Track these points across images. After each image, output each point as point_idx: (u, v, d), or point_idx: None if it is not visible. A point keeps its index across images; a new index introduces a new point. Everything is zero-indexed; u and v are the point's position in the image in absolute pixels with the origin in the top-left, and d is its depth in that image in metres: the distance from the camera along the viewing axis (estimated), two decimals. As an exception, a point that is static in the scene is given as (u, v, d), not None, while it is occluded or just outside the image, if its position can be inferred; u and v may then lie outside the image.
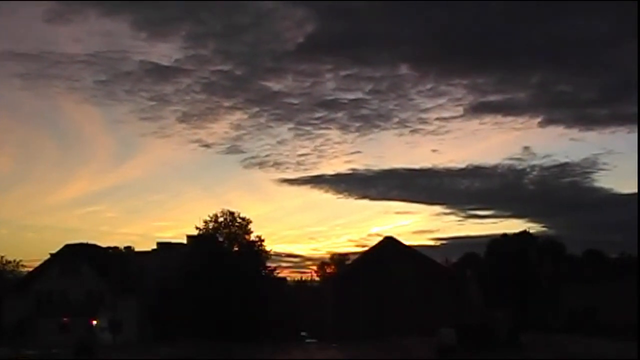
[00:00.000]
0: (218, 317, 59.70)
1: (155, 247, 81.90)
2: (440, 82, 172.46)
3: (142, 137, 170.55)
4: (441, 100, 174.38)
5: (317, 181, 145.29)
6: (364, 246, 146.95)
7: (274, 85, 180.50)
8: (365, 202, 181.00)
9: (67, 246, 68.62)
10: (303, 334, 75.58)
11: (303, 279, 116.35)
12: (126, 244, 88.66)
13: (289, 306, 79.84)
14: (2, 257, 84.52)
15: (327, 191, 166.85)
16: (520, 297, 72.65)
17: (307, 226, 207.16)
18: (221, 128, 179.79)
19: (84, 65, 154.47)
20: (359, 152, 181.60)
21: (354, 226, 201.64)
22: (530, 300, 74.67)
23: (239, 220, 67.03)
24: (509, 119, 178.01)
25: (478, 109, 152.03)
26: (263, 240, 67.44)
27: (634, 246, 73.56)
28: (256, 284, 64.35)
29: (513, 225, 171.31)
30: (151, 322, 64.56)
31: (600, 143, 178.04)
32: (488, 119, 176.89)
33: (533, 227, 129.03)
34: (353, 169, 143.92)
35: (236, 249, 66.74)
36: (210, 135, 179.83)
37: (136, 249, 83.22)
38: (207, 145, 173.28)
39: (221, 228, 66.66)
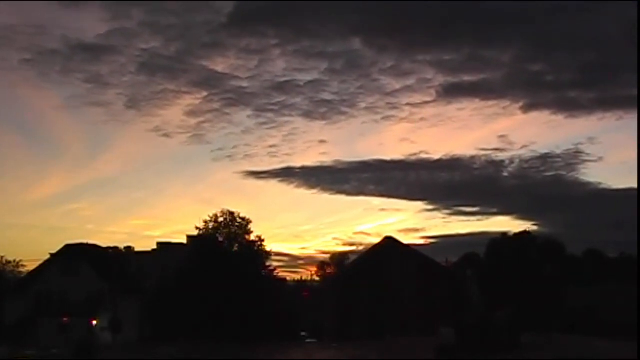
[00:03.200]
0: (218, 317, 59.66)
1: (150, 246, 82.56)
2: (403, 60, 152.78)
3: (93, 125, 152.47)
4: (409, 82, 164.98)
5: (287, 174, 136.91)
6: (351, 245, 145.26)
7: (217, 66, 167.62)
8: (343, 197, 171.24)
9: (67, 246, 68.66)
10: (303, 334, 75.51)
11: (303, 278, 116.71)
12: (116, 243, 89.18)
13: (289, 306, 79.82)
14: (2, 257, 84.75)
15: (298, 186, 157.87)
16: (520, 297, 72.47)
17: (293, 225, 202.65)
18: (175, 115, 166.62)
19: (2, 41, 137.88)
20: (327, 142, 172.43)
21: (339, 225, 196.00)
22: (530, 300, 74.52)
23: (238, 220, 67.10)
24: (490, 103, 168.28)
25: (450, 92, 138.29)
26: (263, 240, 67.55)
27: (632, 246, 73.39)
28: (256, 284, 64.33)
29: (501, 223, 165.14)
30: (151, 322, 64.52)
31: (586, 131, 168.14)
32: (465, 103, 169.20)
33: (523, 225, 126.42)
34: (322, 162, 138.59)
35: (236, 249, 66.75)
36: (166, 123, 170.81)
37: (136, 249, 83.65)
38: (167, 135, 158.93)
39: (221, 228, 66.70)
